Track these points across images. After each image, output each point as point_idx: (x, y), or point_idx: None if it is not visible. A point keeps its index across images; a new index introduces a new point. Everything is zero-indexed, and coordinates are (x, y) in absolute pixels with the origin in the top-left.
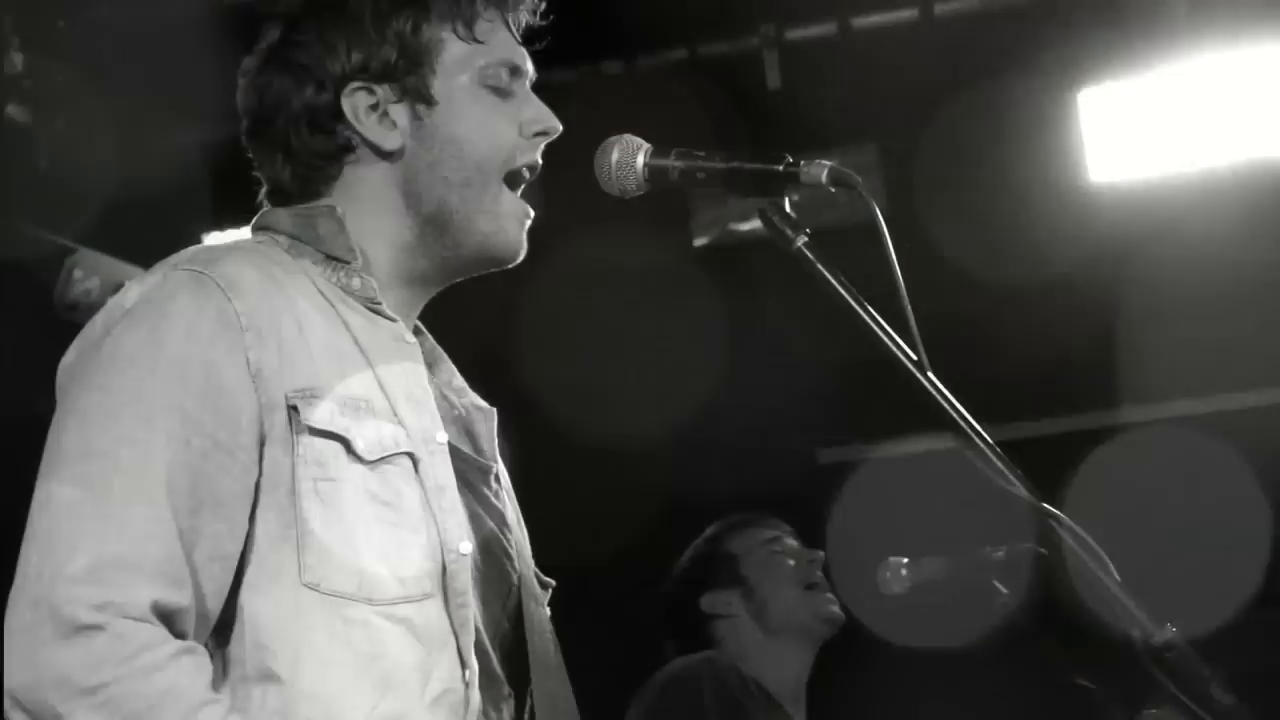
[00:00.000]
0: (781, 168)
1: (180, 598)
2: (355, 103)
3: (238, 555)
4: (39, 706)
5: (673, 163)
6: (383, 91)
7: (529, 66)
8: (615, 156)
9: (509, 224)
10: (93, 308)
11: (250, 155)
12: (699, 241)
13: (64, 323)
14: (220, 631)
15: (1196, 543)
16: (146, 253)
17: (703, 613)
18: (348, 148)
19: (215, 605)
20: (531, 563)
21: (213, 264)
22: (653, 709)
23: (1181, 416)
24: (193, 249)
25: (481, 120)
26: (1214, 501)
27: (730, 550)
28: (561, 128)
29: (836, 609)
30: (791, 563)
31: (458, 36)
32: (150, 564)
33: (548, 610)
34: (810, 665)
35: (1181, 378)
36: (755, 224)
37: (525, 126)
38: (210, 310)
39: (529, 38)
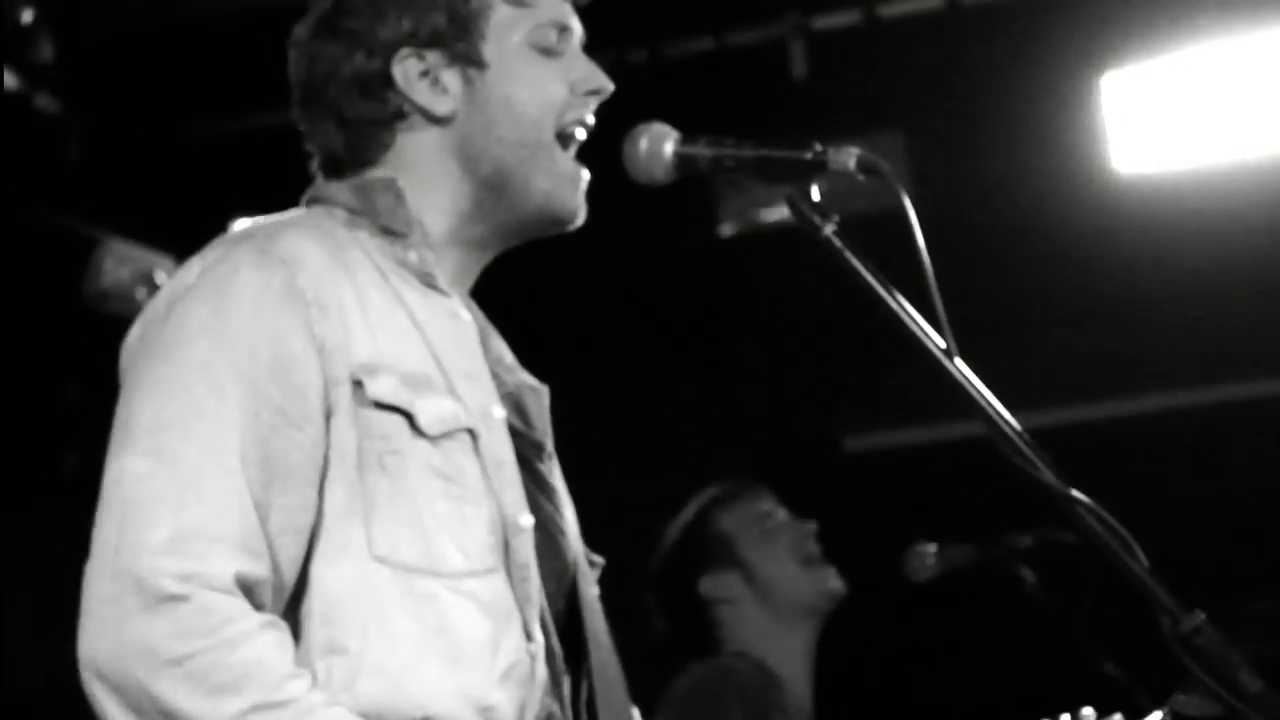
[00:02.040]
0: (810, 155)
1: (260, 569)
2: (406, 69)
3: (309, 528)
4: (123, 677)
5: (702, 150)
6: (433, 57)
7: (577, 25)
8: (644, 144)
9: (566, 185)
10: (123, 298)
11: (301, 127)
12: (725, 231)
13: (92, 313)
14: (290, 604)
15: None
16: (176, 243)
17: (703, 598)
18: (400, 115)
19: (289, 578)
20: (581, 541)
21: (274, 238)
22: (708, 693)
23: (1206, 404)
24: (252, 223)
25: (533, 80)
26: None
27: (723, 529)
28: (613, 87)
29: (838, 583)
30: (786, 539)
31: (505, 0)
32: (231, 535)
33: (597, 589)
34: (815, 640)
35: (1205, 367)
36: (782, 212)
37: (577, 85)
38: (275, 284)
39: None
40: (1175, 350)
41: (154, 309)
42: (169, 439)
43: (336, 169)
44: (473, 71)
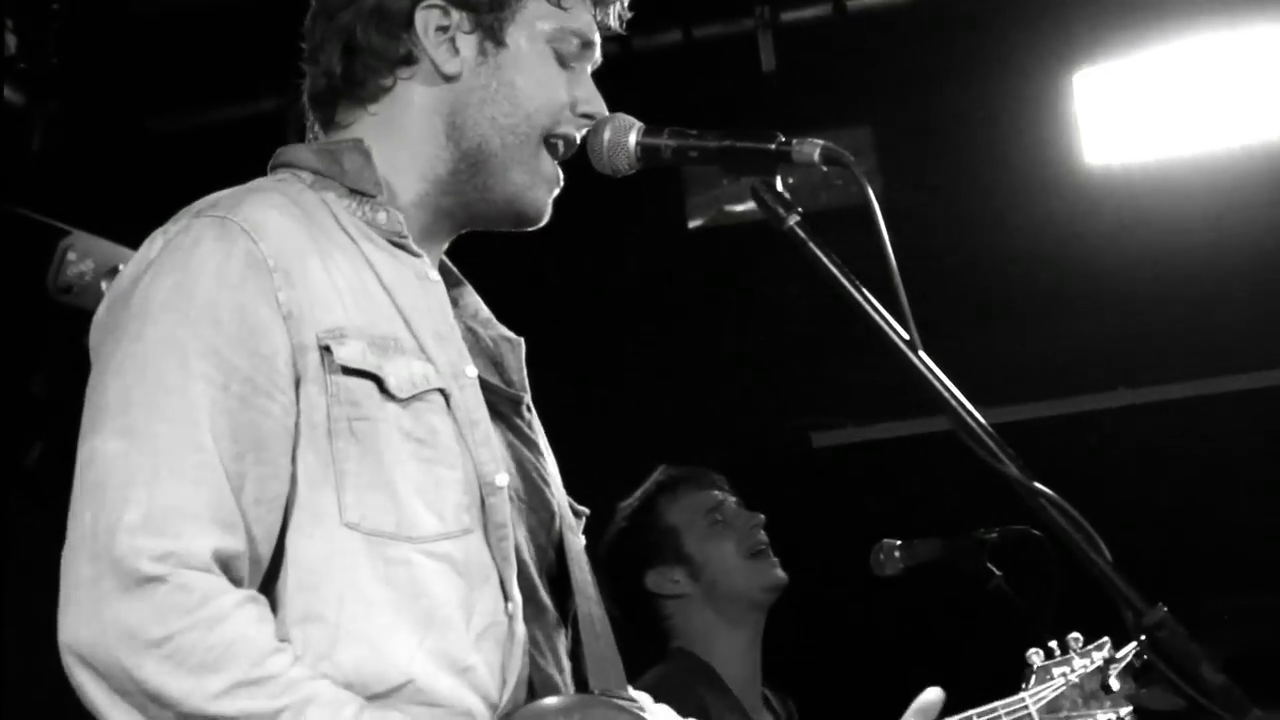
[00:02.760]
0: (774, 146)
1: (236, 543)
2: (428, 18)
3: (284, 497)
4: (106, 661)
5: (665, 141)
6: (457, 17)
7: (598, 52)
8: (607, 135)
9: (541, 184)
10: (87, 290)
11: (305, 44)
12: (694, 223)
13: (56, 306)
14: (268, 575)
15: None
16: (140, 236)
17: (649, 591)
18: (407, 60)
19: (265, 549)
20: (564, 492)
21: (235, 208)
22: None
23: (1175, 400)
24: (214, 195)
25: (542, 78)
26: (1208, 484)
27: (670, 523)
28: (607, 114)
29: (781, 573)
30: (734, 531)
31: None
32: (205, 511)
33: (582, 539)
34: (760, 631)
35: (1175, 361)
36: (750, 205)
37: (578, 103)
38: (238, 254)
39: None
40: (1144, 344)
41: (119, 285)
42: (138, 417)
43: (327, 100)
44: (490, 45)
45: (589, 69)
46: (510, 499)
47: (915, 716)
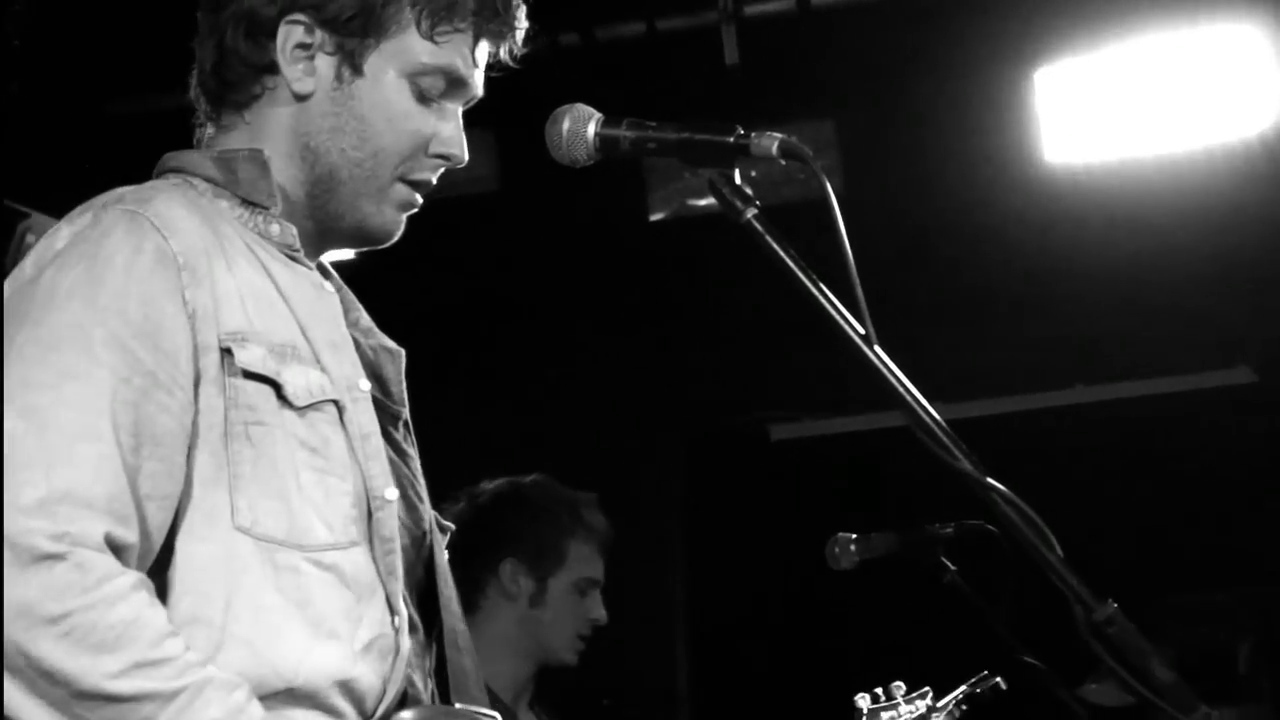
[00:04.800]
0: (732, 139)
1: (128, 535)
2: (289, 33)
3: (176, 496)
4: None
5: (624, 132)
6: (321, 37)
7: (475, 90)
8: (566, 125)
9: (389, 209)
10: None
11: (197, 31)
12: (655, 216)
13: None
14: (153, 572)
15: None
16: None
17: (495, 567)
18: (271, 69)
19: (154, 545)
20: (430, 507)
21: (145, 203)
22: None
23: (1131, 398)
24: (120, 189)
25: (394, 115)
26: (1163, 482)
27: (565, 551)
28: (466, 160)
29: (575, 658)
30: (587, 610)
31: (417, 27)
32: (100, 499)
33: (447, 555)
34: (531, 680)
35: (1132, 360)
36: (713, 199)
37: (435, 142)
38: (148, 248)
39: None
40: (1102, 342)
41: (20, 272)
42: (40, 400)
43: (209, 96)
44: (346, 71)
45: (459, 107)
46: (396, 514)
47: None
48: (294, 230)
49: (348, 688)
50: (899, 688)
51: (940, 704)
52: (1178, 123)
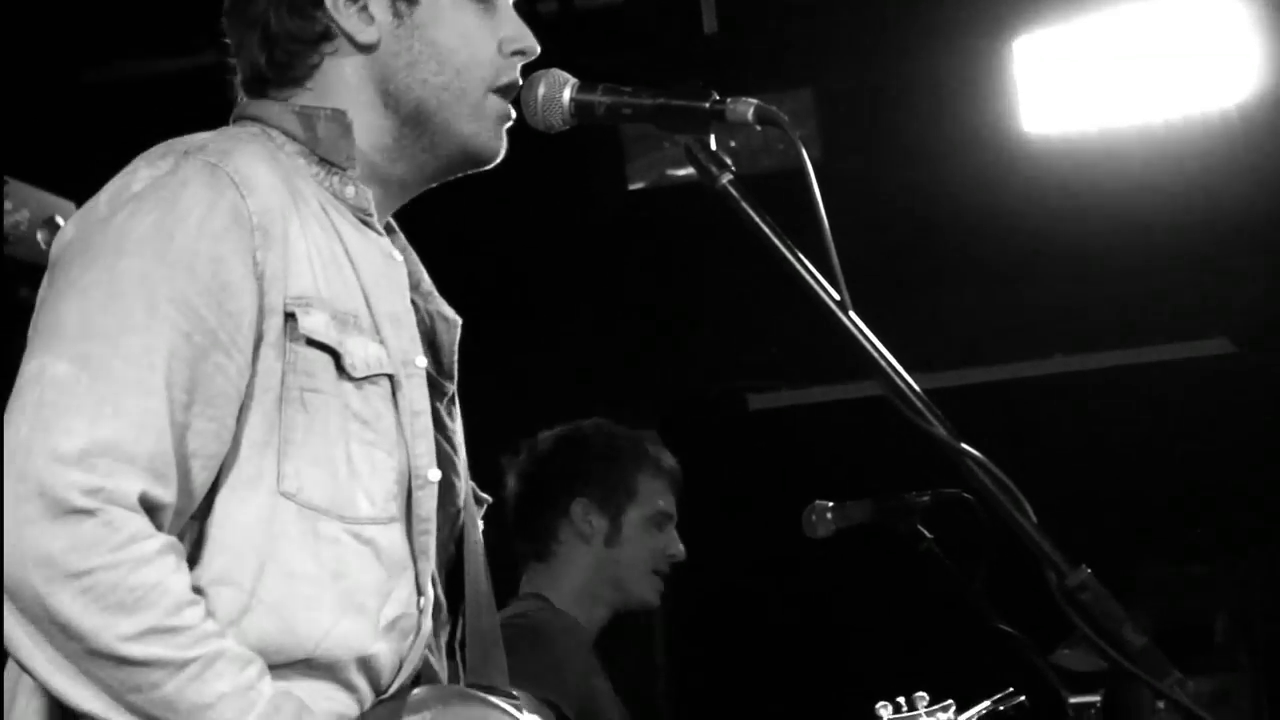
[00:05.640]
0: (708, 105)
1: (166, 494)
2: None
3: (221, 456)
4: (17, 584)
5: (599, 98)
6: None
7: None
8: (541, 91)
9: (489, 125)
10: (22, 240)
11: (227, 39)
12: (635, 185)
13: None
14: (188, 530)
15: (1122, 492)
16: (76, 186)
17: (567, 509)
18: (326, 35)
19: (193, 504)
20: (470, 481)
21: (227, 156)
22: (527, 638)
23: (1111, 367)
24: (199, 136)
25: (463, 30)
26: (1142, 452)
27: (634, 487)
28: (539, 49)
29: (657, 599)
30: (662, 544)
31: None
32: (142, 456)
33: (481, 527)
34: (607, 624)
35: (1111, 329)
36: (690, 168)
37: (505, 44)
38: (223, 205)
39: None
40: (1081, 312)
41: (95, 208)
42: (96, 348)
43: (260, 87)
44: (403, 6)
45: (509, 3)
46: (436, 495)
47: None
48: (369, 194)
49: (367, 664)
50: (922, 699)
51: (963, 718)
52: (1156, 93)
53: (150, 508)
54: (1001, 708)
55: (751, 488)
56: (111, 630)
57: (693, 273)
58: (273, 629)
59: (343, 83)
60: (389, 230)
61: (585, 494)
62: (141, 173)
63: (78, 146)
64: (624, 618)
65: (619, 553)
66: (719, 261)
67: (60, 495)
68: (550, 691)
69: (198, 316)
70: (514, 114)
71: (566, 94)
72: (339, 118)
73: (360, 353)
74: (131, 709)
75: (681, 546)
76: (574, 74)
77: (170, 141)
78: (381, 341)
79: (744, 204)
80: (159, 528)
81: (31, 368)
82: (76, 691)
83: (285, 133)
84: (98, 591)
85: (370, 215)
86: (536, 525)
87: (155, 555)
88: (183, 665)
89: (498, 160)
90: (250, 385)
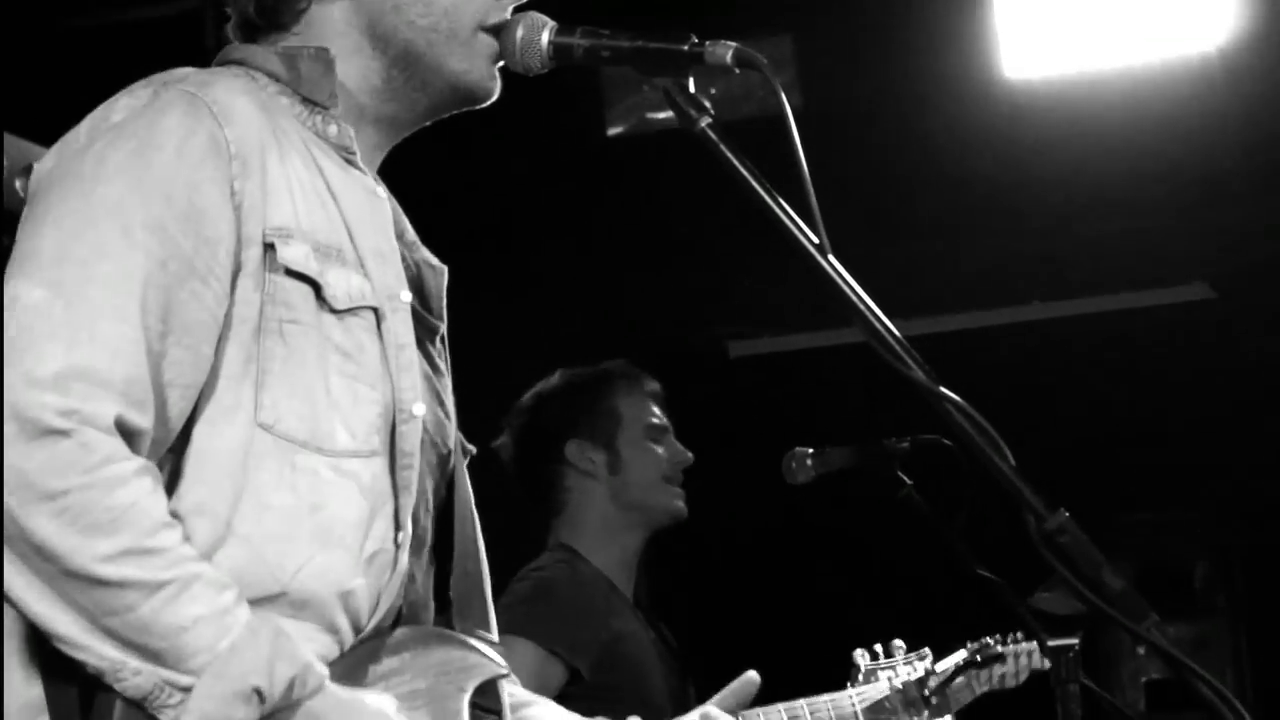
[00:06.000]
0: (686, 48)
1: (142, 420)
2: None
3: (198, 386)
4: None
5: (578, 41)
6: None
7: None
8: (520, 33)
9: (481, 63)
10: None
11: None
12: (614, 130)
13: None
14: (165, 460)
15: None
16: (54, 133)
17: (564, 455)
18: None
19: (170, 434)
20: (457, 428)
21: (206, 87)
22: (521, 614)
23: (1091, 313)
24: (183, 70)
25: None
26: (1122, 397)
27: (616, 408)
28: (521, 14)
29: (683, 505)
30: (664, 453)
31: None
32: (118, 381)
33: (467, 476)
34: (643, 548)
35: (1091, 275)
36: (670, 113)
37: None
38: (201, 134)
39: None
40: (1061, 258)
41: (73, 138)
42: (71, 274)
43: (249, 33)
44: None
45: None
46: (422, 429)
47: (729, 699)
48: (351, 132)
49: (347, 599)
50: (899, 647)
51: (939, 666)
52: (1136, 36)
53: (126, 432)
54: (979, 656)
55: (732, 435)
56: (87, 551)
57: (672, 220)
58: (245, 560)
59: (330, 26)
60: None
61: (574, 435)
62: (121, 103)
63: (58, 94)
64: (662, 536)
65: (626, 475)
66: (699, 208)
67: (34, 416)
68: (557, 643)
69: (174, 243)
70: (499, 48)
71: (545, 36)
72: (321, 55)
73: (342, 285)
74: (108, 633)
75: (687, 453)
76: (555, 17)
77: (152, 76)
78: (366, 275)
79: (722, 147)
80: (135, 454)
81: (7, 293)
82: (54, 615)
83: (268, 73)
84: (73, 512)
85: (354, 154)
86: (543, 483)
87: (131, 476)
88: (158, 587)
89: (492, 99)
90: (228, 316)
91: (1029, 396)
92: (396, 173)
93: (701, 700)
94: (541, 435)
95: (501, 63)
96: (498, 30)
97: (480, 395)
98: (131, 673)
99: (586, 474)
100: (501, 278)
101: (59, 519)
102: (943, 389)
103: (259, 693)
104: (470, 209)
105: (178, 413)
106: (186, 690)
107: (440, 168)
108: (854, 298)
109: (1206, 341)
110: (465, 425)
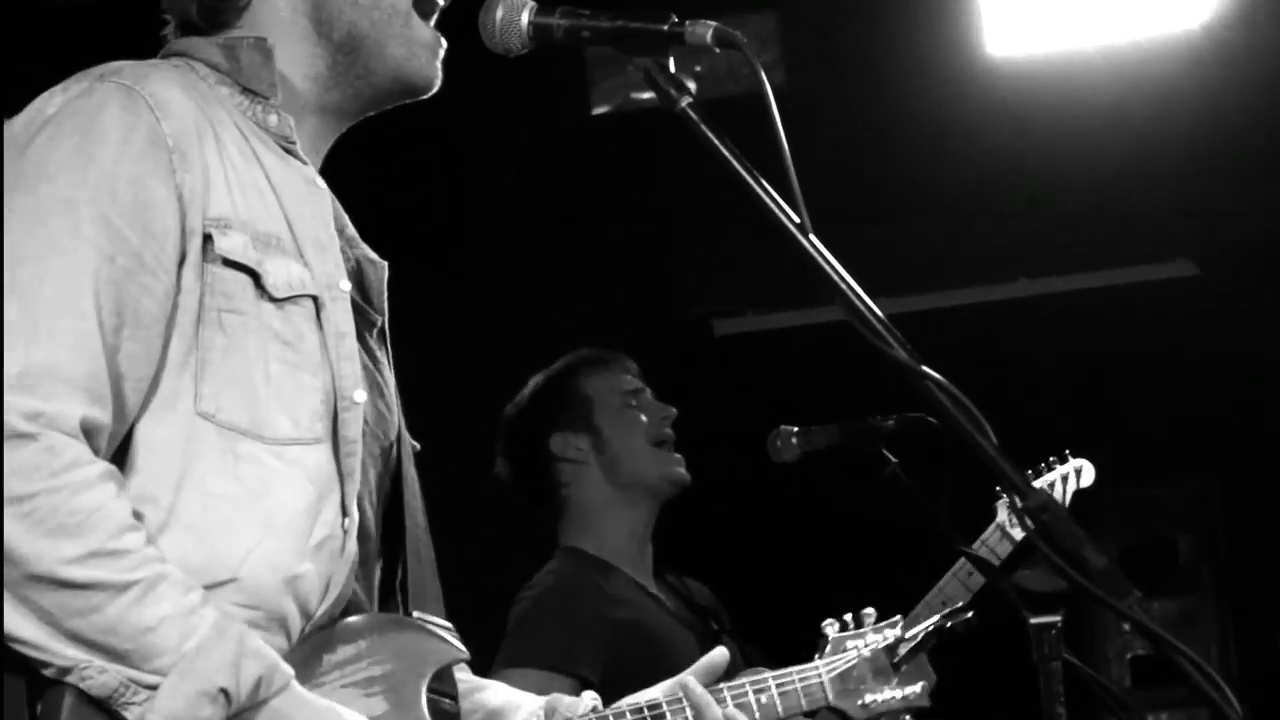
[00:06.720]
0: (667, 27)
1: (103, 415)
2: None
3: (150, 378)
4: None
5: (558, 20)
6: None
7: None
8: (500, 13)
9: (421, 52)
10: None
11: None
12: (598, 110)
13: None
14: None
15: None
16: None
17: (550, 453)
18: None
19: (124, 427)
20: (403, 419)
21: (142, 80)
22: (514, 645)
23: (1075, 290)
24: (118, 63)
25: None
26: (1106, 375)
27: (586, 393)
28: None
29: (684, 470)
30: (645, 418)
31: None
32: (80, 377)
33: (414, 470)
34: (653, 520)
35: (1075, 252)
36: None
37: None
38: (141, 128)
39: None
40: (1045, 235)
41: (11, 132)
42: (24, 273)
43: (193, 31)
44: None
45: None
46: (363, 417)
47: (699, 676)
48: (291, 122)
49: (294, 585)
50: (869, 615)
51: (909, 634)
52: (1119, 13)
53: (89, 430)
54: (950, 623)
55: (717, 413)
56: (54, 554)
57: (657, 199)
58: (190, 548)
59: (274, 17)
60: (321, 173)
61: (554, 429)
62: (56, 98)
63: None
64: (670, 505)
65: (614, 451)
66: (683, 187)
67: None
68: (556, 662)
69: (121, 238)
70: (444, 44)
71: (524, 17)
72: (260, 45)
73: (281, 274)
74: (71, 635)
75: (669, 408)
76: None
77: (87, 70)
78: (305, 264)
79: (703, 127)
80: (96, 451)
81: None
82: (13, 619)
83: (208, 64)
84: (39, 516)
85: (294, 143)
86: (542, 489)
87: (97, 480)
88: (125, 588)
89: (434, 89)
90: (174, 305)
91: (1013, 374)
92: (379, 151)
93: (743, 655)
94: (526, 443)
95: (442, 53)
96: (428, 6)
97: (464, 376)
98: (97, 671)
99: (576, 463)
100: (484, 258)
101: (25, 522)
102: (924, 367)
103: (225, 693)
104: (453, 189)
105: (131, 405)
106: (153, 689)
107: (424, 147)
108: (835, 276)
109: (1191, 318)
110: (457, 405)
